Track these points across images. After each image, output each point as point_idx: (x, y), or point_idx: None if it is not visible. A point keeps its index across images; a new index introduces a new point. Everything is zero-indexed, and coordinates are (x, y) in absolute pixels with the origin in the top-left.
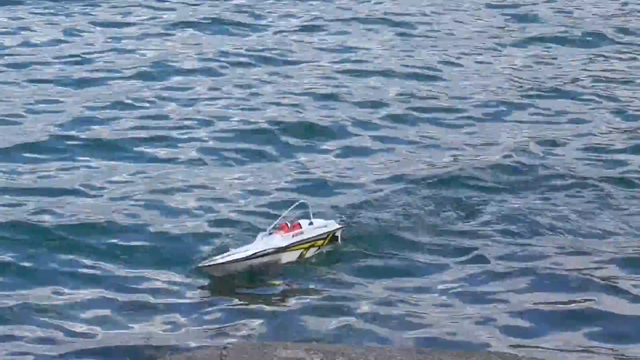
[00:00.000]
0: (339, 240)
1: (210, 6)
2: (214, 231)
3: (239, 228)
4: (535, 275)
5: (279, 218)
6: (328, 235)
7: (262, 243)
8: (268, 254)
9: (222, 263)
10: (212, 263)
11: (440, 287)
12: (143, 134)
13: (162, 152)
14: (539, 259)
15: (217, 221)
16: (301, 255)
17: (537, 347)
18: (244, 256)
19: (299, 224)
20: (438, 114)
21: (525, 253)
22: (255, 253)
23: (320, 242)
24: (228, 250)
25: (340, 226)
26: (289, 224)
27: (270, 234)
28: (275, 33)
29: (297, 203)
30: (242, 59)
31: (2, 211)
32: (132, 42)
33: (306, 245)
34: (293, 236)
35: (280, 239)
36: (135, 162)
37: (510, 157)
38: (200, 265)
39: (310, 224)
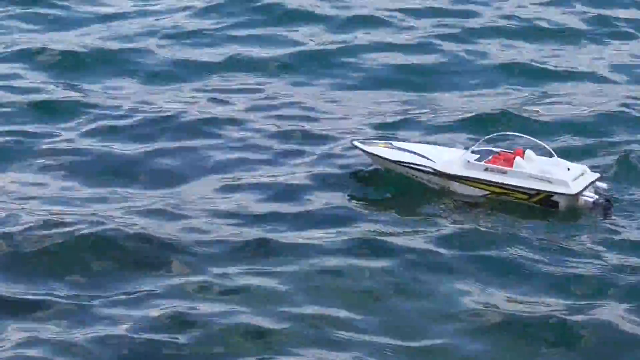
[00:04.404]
0: (560, 208)
1: None
2: None
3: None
4: None
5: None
6: (538, 193)
7: (442, 155)
8: (425, 171)
9: (376, 154)
10: (367, 149)
11: None
12: None
13: None
14: None
15: None
16: (489, 196)
17: None
18: (400, 160)
19: (515, 160)
20: None
21: None
22: (413, 164)
23: (522, 196)
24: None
25: (568, 192)
26: (501, 155)
27: (473, 153)
28: None
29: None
30: None
31: None
32: None
33: (495, 189)
34: (486, 170)
35: (459, 163)
36: None
37: None
38: (355, 142)
39: (563, 168)
